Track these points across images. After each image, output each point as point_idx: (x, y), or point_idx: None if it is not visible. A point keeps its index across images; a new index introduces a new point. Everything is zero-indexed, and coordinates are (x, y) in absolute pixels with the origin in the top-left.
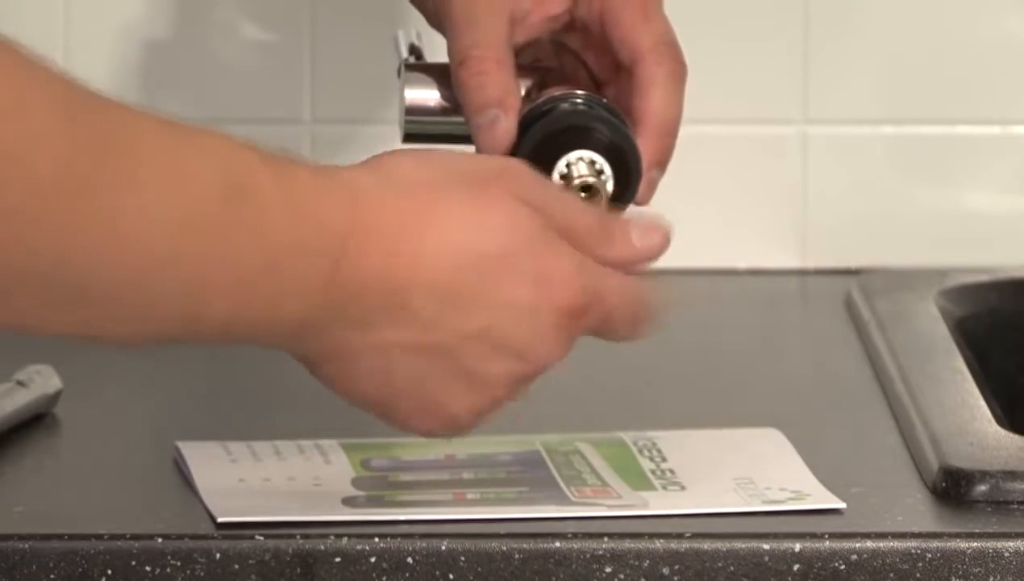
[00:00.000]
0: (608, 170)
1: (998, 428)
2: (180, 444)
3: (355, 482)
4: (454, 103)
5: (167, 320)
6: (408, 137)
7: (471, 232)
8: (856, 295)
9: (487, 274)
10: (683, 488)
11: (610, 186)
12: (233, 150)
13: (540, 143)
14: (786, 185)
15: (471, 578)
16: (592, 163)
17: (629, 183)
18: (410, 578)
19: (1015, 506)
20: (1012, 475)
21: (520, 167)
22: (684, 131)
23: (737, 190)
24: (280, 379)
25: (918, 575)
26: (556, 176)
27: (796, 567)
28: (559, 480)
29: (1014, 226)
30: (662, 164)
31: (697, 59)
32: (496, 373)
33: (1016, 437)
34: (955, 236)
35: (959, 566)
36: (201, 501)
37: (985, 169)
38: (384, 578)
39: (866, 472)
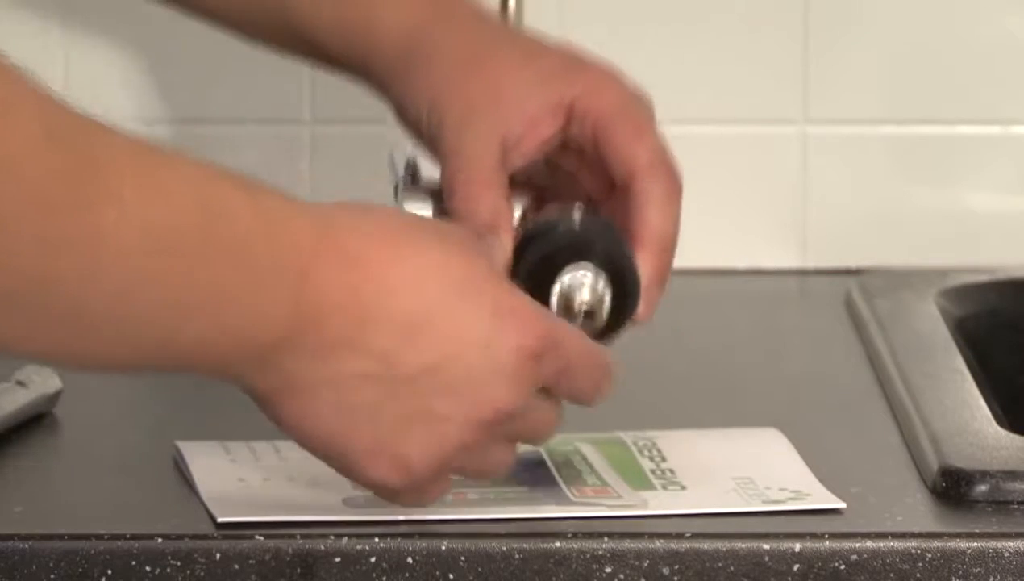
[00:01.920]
0: (606, 290)
1: (998, 428)
2: (180, 444)
3: (356, 484)
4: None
5: (144, 342)
6: None
7: (436, 266)
8: (856, 295)
9: (446, 306)
10: (683, 488)
11: (608, 306)
12: (208, 174)
13: (538, 263)
14: (786, 185)
15: (471, 578)
16: (591, 284)
17: (627, 303)
18: (410, 578)
19: (1015, 506)
20: (1012, 475)
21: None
22: (684, 131)
23: (737, 190)
24: None
25: (918, 575)
26: (554, 296)
27: (796, 567)
28: (559, 480)
29: (1014, 226)
30: (661, 281)
31: (697, 59)
32: (445, 411)
33: (1016, 437)
34: (955, 236)
35: (959, 566)
36: (201, 501)
37: (985, 169)
38: (384, 578)
39: (866, 472)
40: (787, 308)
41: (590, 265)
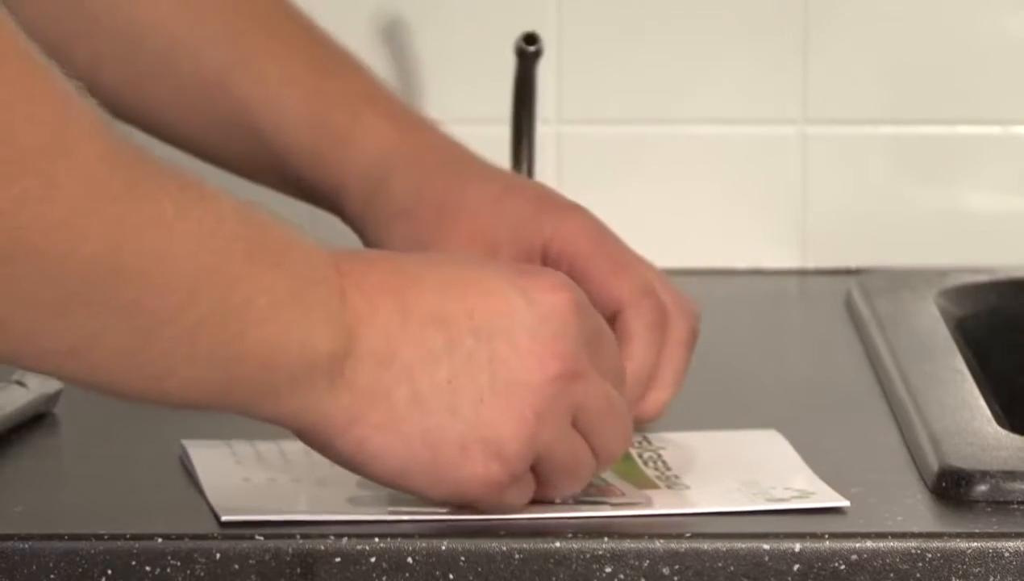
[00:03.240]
0: None
1: (998, 428)
2: (186, 442)
3: (360, 484)
4: None
5: (204, 352)
6: None
7: (453, 254)
8: (856, 295)
9: (476, 269)
10: (688, 488)
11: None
12: (228, 192)
13: None
14: (786, 185)
15: (471, 578)
16: None
17: None
18: (410, 578)
19: (1015, 506)
20: (1012, 475)
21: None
22: (684, 131)
23: (737, 190)
24: None
25: (918, 575)
26: None
27: (796, 567)
28: None
29: (1014, 226)
30: (643, 417)
31: (697, 59)
32: (512, 374)
33: (1016, 437)
34: (955, 236)
35: (959, 566)
36: (206, 500)
37: (985, 169)
38: (384, 578)
39: (866, 472)
40: (787, 308)
41: None
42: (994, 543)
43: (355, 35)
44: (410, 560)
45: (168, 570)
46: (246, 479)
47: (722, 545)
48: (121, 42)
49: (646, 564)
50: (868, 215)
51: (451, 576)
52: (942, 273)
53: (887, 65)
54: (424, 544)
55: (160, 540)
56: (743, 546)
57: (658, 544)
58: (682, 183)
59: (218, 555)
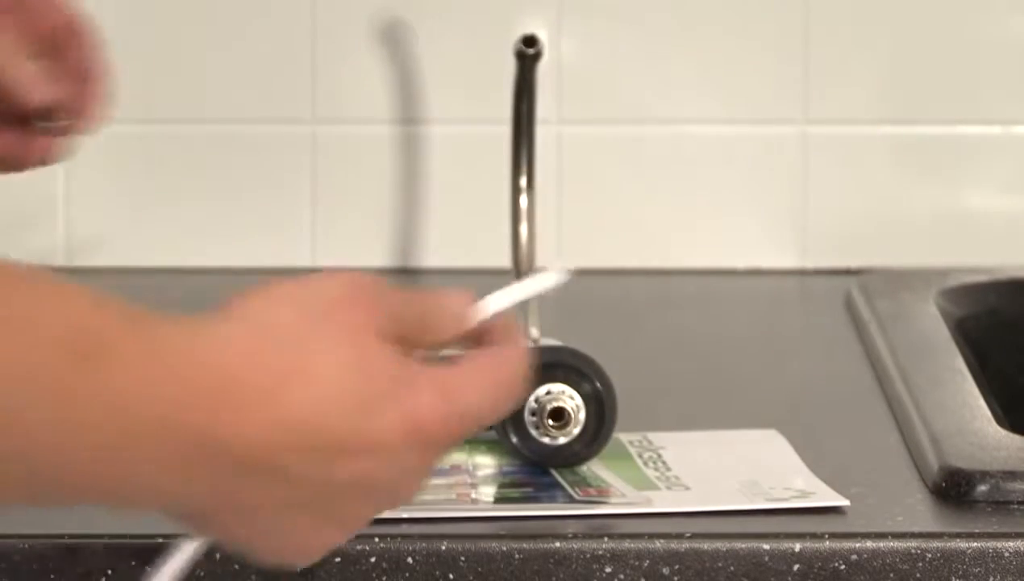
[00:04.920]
0: (581, 402)
1: (998, 428)
2: None
3: None
4: None
5: (5, 483)
6: None
7: (336, 382)
8: (856, 295)
9: (356, 422)
10: (687, 488)
11: (583, 416)
12: (90, 305)
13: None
14: (786, 185)
15: (471, 578)
16: (568, 395)
17: (603, 420)
18: (410, 578)
19: (1015, 506)
20: (1012, 475)
21: (363, 281)
22: (684, 131)
23: (737, 190)
24: None
25: (918, 575)
26: (532, 401)
27: (796, 567)
28: (563, 483)
29: (1014, 226)
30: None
31: (697, 59)
32: (364, 513)
33: (1016, 437)
34: (955, 236)
35: (959, 566)
36: None
37: (985, 169)
38: (384, 578)
39: (866, 472)
40: (787, 308)
41: (569, 382)
42: (994, 543)
43: (355, 35)
44: (410, 560)
45: None
46: None
47: (722, 545)
48: None
49: (646, 564)
50: (868, 215)
51: (451, 576)
52: (942, 273)
53: (887, 65)
54: (424, 544)
55: (160, 540)
56: (743, 546)
57: (658, 544)
58: (682, 183)
59: (218, 555)
